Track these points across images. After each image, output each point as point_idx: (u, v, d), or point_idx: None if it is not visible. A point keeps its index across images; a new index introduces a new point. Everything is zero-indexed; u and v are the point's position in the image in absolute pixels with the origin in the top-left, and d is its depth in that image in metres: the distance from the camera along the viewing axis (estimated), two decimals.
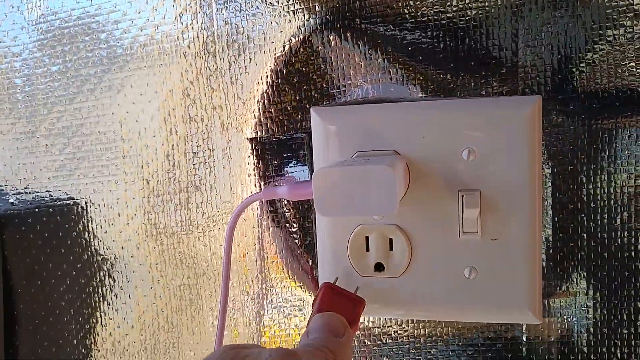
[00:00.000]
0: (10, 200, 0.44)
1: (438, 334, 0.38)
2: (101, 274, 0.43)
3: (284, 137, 0.38)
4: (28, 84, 0.43)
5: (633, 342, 0.35)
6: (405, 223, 0.36)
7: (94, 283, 0.43)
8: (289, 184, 0.33)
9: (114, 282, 0.43)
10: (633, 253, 0.34)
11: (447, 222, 0.35)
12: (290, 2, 0.36)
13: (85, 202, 0.42)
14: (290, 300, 0.40)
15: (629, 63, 0.32)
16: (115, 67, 0.40)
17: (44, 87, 0.42)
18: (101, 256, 0.43)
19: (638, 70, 0.32)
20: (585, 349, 0.35)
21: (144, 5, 0.39)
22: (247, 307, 0.40)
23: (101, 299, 0.43)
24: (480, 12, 0.34)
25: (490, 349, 0.37)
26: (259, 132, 0.38)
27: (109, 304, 0.43)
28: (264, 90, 0.37)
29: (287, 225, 0.39)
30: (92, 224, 0.43)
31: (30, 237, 0.44)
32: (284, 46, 0.37)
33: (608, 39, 0.32)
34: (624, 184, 0.33)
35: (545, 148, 0.34)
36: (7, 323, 0.45)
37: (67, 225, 0.43)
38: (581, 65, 0.33)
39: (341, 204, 0.29)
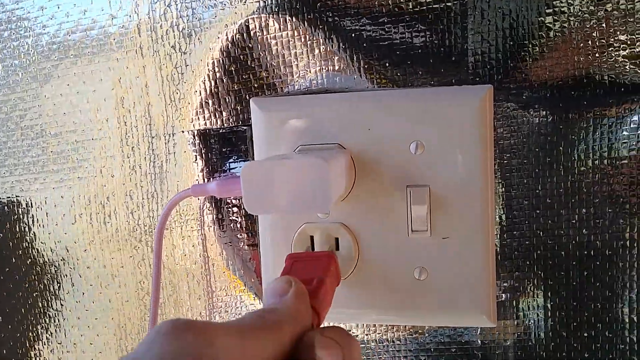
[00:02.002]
0: None
1: (389, 339, 0.36)
2: (46, 278, 0.40)
3: (224, 130, 0.35)
4: None
5: (593, 346, 0.33)
6: (351, 221, 0.33)
7: (40, 288, 0.41)
8: (217, 180, 0.31)
9: (45, 288, 0.40)
10: (592, 251, 0.32)
11: (396, 219, 0.33)
12: None
13: (25, 202, 0.40)
14: (234, 305, 0.37)
15: (585, 48, 0.30)
16: (44, 58, 0.38)
17: None
18: (43, 259, 0.40)
19: (594, 56, 0.30)
20: (543, 354, 0.33)
21: None
22: (190, 311, 0.38)
23: (32, 304, 0.41)
24: None
25: (444, 354, 0.35)
26: (196, 125, 0.35)
27: (41, 311, 0.41)
28: (202, 81, 0.35)
29: (231, 225, 0.36)
30: (20, 224, 0.40)
31: None
32: (220, 34, 0.34)
33: (562, 22, 0.30)
34: (581, 178, 0.31)
35: (497, 141, 0.32)
36: None
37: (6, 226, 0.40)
38: (534, 51, 0.31)
39: (272, 200, 0.27)
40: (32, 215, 0.40)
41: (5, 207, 0.40)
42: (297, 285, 0.22)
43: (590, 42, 0.30)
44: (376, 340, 0.36)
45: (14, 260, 0.41)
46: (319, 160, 0.26)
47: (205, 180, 0.35)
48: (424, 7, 0.32)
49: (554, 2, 0.30)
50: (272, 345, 0.18)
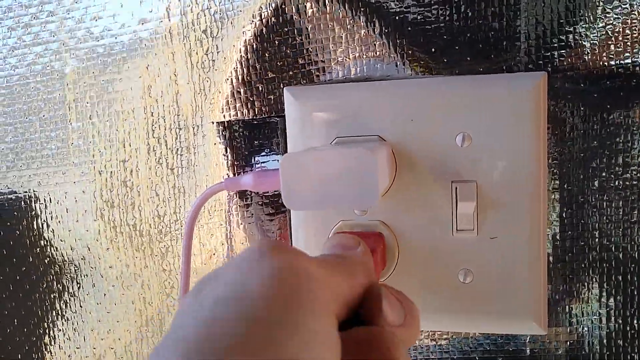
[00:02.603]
0: None
1: (429, 347, 0.33)
2: (49, 278, 0.38)
3: (256, 121, 0.33)
4: None
5: None
6: (391, 219, 0.31)
7: (41, 289, 0.39)
8: (252, 173, 0.29)
9: (63, 288, 0.38)
10: None
11: (439, 217, 0.31)
12: None
13: (30, 197, 0.38)
14: None
15: None
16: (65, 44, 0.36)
17: None
18: (49, 258, 0.38)
19: None
20: None
21: None
22: None
23: (49, 306, 0.39)
24: None
25: None
26: (227, 116, 0.33)
27: (59, 312, 0.39)
28: (233, 68, 0.33)
29: (260, 222, 0.34)
30: (38, 220, 0.38)
31: None
32: (254, 17, 0.32)
33: (624, 5, 0.28)
34: None
35: (552, 132, 0.30)
36: None
37: (8, 223, 0.38)
38: (593, 36, 0.28)
39: (313, 195, 0.25)
40: (51, 211, 0.38)
41: (22, 202, 0.38)
42: (364, 244, 0.22)
43: None
44: (414, 349, 0.33)
45: (30, 259, 0.39)
46: (365, 150, 0.24)
47: (235, 174, 0.33)
48: None
49: None
50: (348, 289, 0.18)
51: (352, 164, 0.24)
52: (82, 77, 0.36)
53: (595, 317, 0.31)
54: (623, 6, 0.28)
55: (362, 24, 0.31)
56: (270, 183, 0.29)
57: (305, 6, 0.31)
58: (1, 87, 0.37)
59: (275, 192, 0.33)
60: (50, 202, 0.38)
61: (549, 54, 0.29)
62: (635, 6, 0.28)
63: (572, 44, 0.29)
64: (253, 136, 0.33)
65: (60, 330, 0.39)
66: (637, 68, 0.28)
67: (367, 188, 0.24)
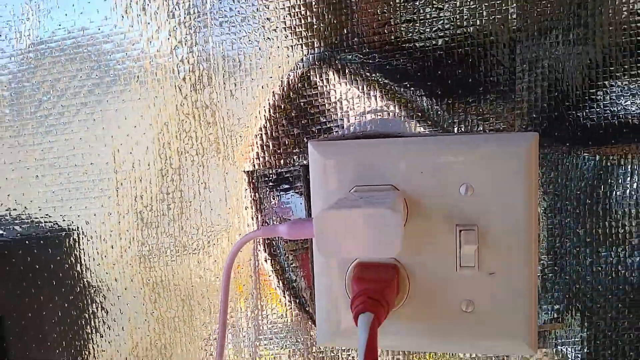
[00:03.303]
0: (0, 232, 0.43)
1: None
2: (94, 306, 0.42)
3: (281, 170, 0.38)
4: (16, 113, 0.42)
5: None
6: (403, 257, 0.36)
7: (86, 315, 0.42)
8: (288, 223, 0.33)
9: (107, 314, 0.42)
10: (628, 287, 0.35)
11: (445, 256, 0.35)
12: (288, 37, 0.36)
13: (77, 234, 0.42)
14: (286, 330, 0.40)
15: (626, 98, 0.33)
16: (108, 99, 0.40)
17: (32, 117, 0.41)
18: (93, 288, 0.42)
19: (634, 105, 0.33)
20: None
21: (138, 37, 0.39)
22: (244, 340, 0.40)
23: (94, 331, 0.43)
24: (475, 46, 0.34)
25: None
26: (255, 165, 0.38)
27: (102, 336, 0.43)
28: (262, 125, 0.37)
29: (284, 257, 0.39)
30: (84, 255, 0.42)
31: (20, 269, 0.43)
32: (281, 80, 0.36)
33: (610, 74, 0.33)
34: (619, 219, 0.34)
35: (541, 183, 0.35)
36: None
37: (58, 257, 0.42)
38: (578, 102, 0.33)
39: (344, 246, 0.29)
40: (82, 246, 0.42)
41: (59, 239, 0.42)
42: None
43: (630, 93, 0.33)
44: None
45: (62, 290, 0.42)
46: (390, 210, 0.28)
47: (264, 217, 0.37)
48: (474, 60, 0.34)
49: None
50: None
51: (380, 221, 0.29)
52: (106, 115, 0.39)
53: (577, 339, 0.36)
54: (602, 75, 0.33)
55: (376, 88, 0.35)
56: (303, 233, 0.33)
57: (327, 73, 0.35)
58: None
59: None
60: (82, 233, 0.41)
61: (540, 116, 0.34)
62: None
63: (561, 108, 0.34)
64: (279, 184, 0.38)
65: (97, 345, 0.43)
66: (610, 130, 0.33)
67: (392, 241, 0.29)
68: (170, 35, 0.38)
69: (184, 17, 0.38)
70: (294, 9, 0.36)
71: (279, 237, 0.38)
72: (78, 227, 0.42)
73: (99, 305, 0.42)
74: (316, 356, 0.40)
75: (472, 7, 0.34)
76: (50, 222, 0.42)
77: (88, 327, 0.43)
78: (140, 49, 0.39)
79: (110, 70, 0.39)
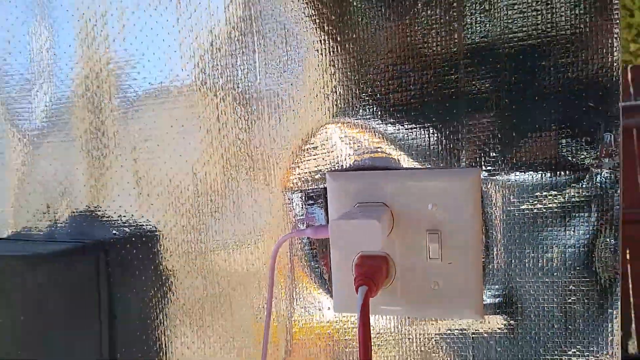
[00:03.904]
0: (113, 232, 0.62)
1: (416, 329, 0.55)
2: (172, 294, 0.61)
3: (308, 190, 0.55)
4: (95, 117, 0.60)
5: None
6: (391, 251, 0.53)
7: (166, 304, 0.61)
8: (313, 227, 0.51)
9: (182, 296, 0.60)
10: (546, 273, 0.51)
11: (419, 251, 0.52)
12: (321, 87, 0.53)
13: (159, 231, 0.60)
14: (312, 301, 0.57)
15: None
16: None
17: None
18: (173, 276, 0.60)
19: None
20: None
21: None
22: (282, 307, 0.58)
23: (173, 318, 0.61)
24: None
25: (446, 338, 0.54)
26: (291, 187, 0.55)
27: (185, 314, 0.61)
28: (293, 159, 0.55)
29: (311, 251, 0.56)
30: (165, 251, 0.60)
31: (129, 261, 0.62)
32: (311, 128, 0.54)
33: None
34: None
35: (482, 202, 0.51)
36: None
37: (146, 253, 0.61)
38: (515, 144, 0.50)
39: (349, 243, 0.46)
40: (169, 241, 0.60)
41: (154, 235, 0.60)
42: None
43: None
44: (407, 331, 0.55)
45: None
46: (376, 221, 0.46)
47: (297, 223, 0.55)
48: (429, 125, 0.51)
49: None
50: None
51: (369, 228, 0.46)
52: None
53: (510, 310, 0.52)
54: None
55: (370, 138, 0.52)
56: (323, 234, 0.51)
57: (344, 124, 0.53)
58: None
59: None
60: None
61: (485, 156, 0.51)
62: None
63: (501, 149, 0.50)
64: (307, 200, 0.55)
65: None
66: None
67: (375, 240, 0.46)
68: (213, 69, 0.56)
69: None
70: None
71: (307, 237, 0.56)
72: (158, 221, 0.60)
73: (178, 291, 0.61)
74: (333, 322, 0.57)
75: None
76: (147, 224, 0.61)
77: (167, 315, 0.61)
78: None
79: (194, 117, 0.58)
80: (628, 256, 3.34)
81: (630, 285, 3.34)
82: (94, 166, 0.61)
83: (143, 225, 0.61)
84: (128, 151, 0.60)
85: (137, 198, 0.61)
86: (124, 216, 0.61)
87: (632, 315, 3.35)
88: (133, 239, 0.61)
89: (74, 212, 0.62)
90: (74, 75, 0.61)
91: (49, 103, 0.62)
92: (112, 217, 0.62)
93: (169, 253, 0.61)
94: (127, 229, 0.61)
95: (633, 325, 3.36)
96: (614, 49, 0.46)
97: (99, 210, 0.62)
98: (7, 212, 0.65)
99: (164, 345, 0.62)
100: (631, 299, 3.35)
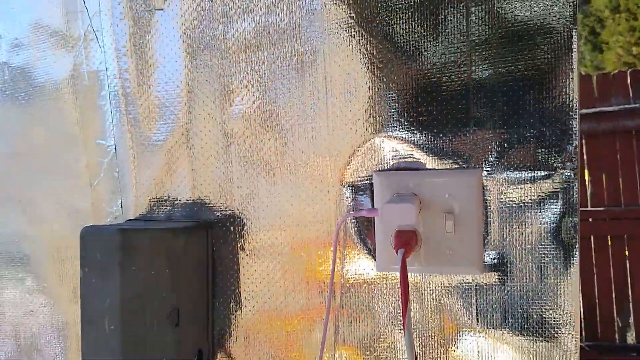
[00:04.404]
0: (217, 214, 0.84)
1: (429, 282, 0.78)
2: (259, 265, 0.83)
3: (360, 184, 0.78)
4: (209, 122, 0.83)
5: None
6: (419, 227, 0.75)
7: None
8: (367, 209, 0.74)
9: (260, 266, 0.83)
10: (529, 247, 0.73)
11: (439, 227, 0.74)
12: (369, 111, 0.76)
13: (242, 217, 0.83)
14: (360, 264, 0.80)
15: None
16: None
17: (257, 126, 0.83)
18: (253, 252, 0.83)
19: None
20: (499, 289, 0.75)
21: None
22: (338, 268, 0.80)
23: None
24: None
25: (457, 288, 0.77)
26: (348, 180, 0.78)
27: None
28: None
29: (362, 226, 0.79)
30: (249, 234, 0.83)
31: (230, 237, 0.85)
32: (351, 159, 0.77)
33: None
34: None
35: (483, 193, 0.74)
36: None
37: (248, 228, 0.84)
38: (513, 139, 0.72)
39: (392, 220, 0.69)
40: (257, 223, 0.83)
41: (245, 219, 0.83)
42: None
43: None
44: (417, 283, 0.78)
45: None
46: (411, 204, 0.68)
47: (350, 206, 0.78)
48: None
49: None
50: None
51: (406, 209, 0.68)
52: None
53: (504, 267, 0.74)
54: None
55: (404, 150, 0.75)
56: (374, 214, 0.73)
57: (385, 141, 0.75)
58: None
59: (373, 218, 0.77)
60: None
61: (485, 160, 0.73)
62: None
63: (496, 156, 0.72)
64: (359, 190, 0.78)
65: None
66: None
67: (410, 218, 0.68)
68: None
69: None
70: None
71: (356, 218, 0.79)
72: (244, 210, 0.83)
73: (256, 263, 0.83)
74: (375, 278, 0.80)
75: None
76: (244, 208, 0.83)
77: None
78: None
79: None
80: (627, 252, 3.55)
81: (629, 281, 3.56)
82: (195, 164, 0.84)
83: (234, 209, 0.84)
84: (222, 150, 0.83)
85: (229, 190, 0.83)
86: (224, 203, 0.84)
87: (631, 308, 3.56)
88: (230, 219, 0.84)
89: (187, 200, 0.85)
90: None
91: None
92: (215, 203, 0.85)
93: (252, 229, 0.83)
94: (224, 212, 0.84)
95: (632, 318, 3.58)
96: (571, 89, 0.69)
97: (204, 198, 0.85)
98: (129, 200, 0.88)
99: (240, 281, 0.85)
100: (630, 293, 3.56)
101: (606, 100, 3.62)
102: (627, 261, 3.58)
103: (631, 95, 3.60)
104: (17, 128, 0.94)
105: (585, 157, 3.63)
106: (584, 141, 3.62)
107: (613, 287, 3.61)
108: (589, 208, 3.62)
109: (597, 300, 3.64)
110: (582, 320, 3.65)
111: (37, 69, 0.91)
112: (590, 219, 3.62)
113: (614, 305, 3.62)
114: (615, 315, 3.62)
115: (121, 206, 0.88)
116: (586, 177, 3.64)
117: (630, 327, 3.61)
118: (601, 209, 3.59)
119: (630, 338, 3.61)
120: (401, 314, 0.77)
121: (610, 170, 3.56)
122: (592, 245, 3.64)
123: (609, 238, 3.60)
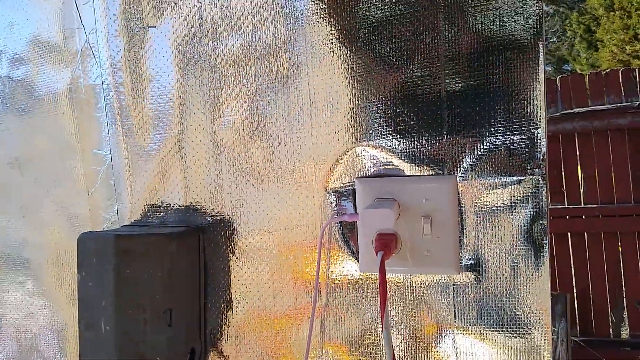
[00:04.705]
0: (208, 219, 0.89)
1: (407, 282, 0.82)
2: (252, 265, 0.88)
3: (343, 190, 0.82)
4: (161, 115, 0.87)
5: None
6: (398, 230, 0.79)
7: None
8: (348, 214, 0.78)
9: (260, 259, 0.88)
10: (506, 245, 0.78)
11: (417, 230, 0.79)
12: (350, 121, 0.80)
13: (233, 220, 0.87)
14: (345, 265, 0.84)
15: None
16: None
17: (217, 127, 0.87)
18: (251, 250, 0.88)
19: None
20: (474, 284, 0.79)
21: None
22: (322, 269, 0.85)
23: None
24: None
25: (435, 286, 0.81)
26: (331, 186, 0.82)
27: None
28: (334, 171, 0.82)
29: (344, 230, 0.83)
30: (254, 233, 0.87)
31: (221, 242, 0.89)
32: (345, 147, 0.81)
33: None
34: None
35: (459, 197, 0.78)
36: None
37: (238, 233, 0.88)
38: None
39: (371, 224, 0.74)
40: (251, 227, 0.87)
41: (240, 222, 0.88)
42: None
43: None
44: (400, 283, 0.82)
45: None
46: (390, 210, 0.73)
47: (334, 211, 0.82)
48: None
49: None
50: None
51: (385, 214, 0.73)
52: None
53: (478, 268, 0.79)
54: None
55: (385, 154, 0.79)
56: (355, 219, 0.78)
57: (367, 149, 0.80)
58: None
59: (355, 222, 0.82)
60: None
61: (460, 167, 0.77)
62: None
63: (470, 163, 0.77)
64: (342, 196, 0.82)
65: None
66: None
67: (389, 222, 0.73)
68: None
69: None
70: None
71: (341, 221, 0.83)
72: (234, 214, 0.87)
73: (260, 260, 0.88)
74: (359, 279, 0.84)
75: None
76: (239, 214, 0.88)
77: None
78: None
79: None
80: (620, 249, 3.60)
81: (623, 277, 3.61)
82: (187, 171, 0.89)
83: (224, 214, 0.88)
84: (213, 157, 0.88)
85: (219, 195, 0.88)
86: (215, 209, 0.89)
87: (625, 303, 3.61)
88: (220, 224, 0.89)
89: (180, 206, 0.90)
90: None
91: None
92: (206, 209, 0.89)
93: (242, 233, 0.88)
94: (215, 217, 0.89)
95: (625, 313, 3.63)
96: (539, 100, 0.73)
97: (196, 204, 0.90)
98: (125, 206, 0.93)
99: (231, 283, 0.89)
100: (623, 289, 3.61)
101: (599, 98, 3.67)
102: (621, 257, 3.63)
103: (623, 93, 3.65)
104: (17, 138, 0.98)
105: (578, 155, 3.68)
106: (576, 139, 3.67)
107: (607, 283, 3.66)
108: (582, 205, 3.66)
109: (591, 296, 3.69)
110: (576, 315, 3.70)
111: (36, 82, 0.95)
112: (584, 216, 3.67)
113: (608, 300, 3.66)
114: (609, 310, 3.67)
115: (117, 212, 0.93)
116: (579, 175, 3.69)
117: (624, 322, 3.66)
118: (594, 206, 3.64)
119: (625, 333, 3.66)
120: None
121: (603, 168, 3.61)
122: (586, 242, 3.68)
123: (602, 235, 3.65)
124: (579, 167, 3.67)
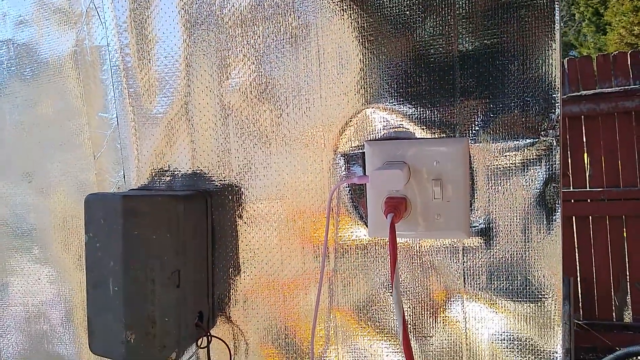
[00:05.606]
0: (215, 184, 0.88)
1: (421, 247, 0.81)
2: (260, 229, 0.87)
3: (353, 153, 0.81)
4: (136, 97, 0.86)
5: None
6: (407, 194, 0.78)
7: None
8: (358, 176, 0.77)
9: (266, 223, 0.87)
10: (516, 207, 0.76)
11: (427, 193, 0.78)
12: (360, 83, 0.79)
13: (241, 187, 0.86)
14: (353, 230, 0.83)
15: None
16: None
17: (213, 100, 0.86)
18: (257, 216, 0.87)
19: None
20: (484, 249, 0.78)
21: None
22: (331, 234, 0.84)
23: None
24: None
25: (445, 250, 0.80)
26: (341, 150, 0.81)
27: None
28: (344, 133, 0.81)
29: (354, 192, 0.82)
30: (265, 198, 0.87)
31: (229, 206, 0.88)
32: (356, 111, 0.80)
33: None
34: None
35: (470, 160, 0.77)
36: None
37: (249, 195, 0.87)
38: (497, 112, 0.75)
39: (381, 186, 0.72)
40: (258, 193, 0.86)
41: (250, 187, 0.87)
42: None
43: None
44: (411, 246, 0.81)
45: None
46: (400, 171, 0.71)
47: (343, 173, 0.81)
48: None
49: None
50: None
51: (395, 175, 0.72)
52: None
53: (488, 232, 0.78)
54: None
55: (395, 117, 0.78)
56: (364, 181, 0.77)
57: (375, 116, 0.78)
58: None
59: (365, 185, 0.81)
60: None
61: (471, 130, 0.76)
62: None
63: (482, 125, 0.75)
64: (352, 158, 0.81)
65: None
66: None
67: (398, 183, 0.72)
68: None
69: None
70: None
71: (349, 185, 0.82)
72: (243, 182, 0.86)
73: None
74: (367, 244, 0.83)
75: None
76: (244, 179, 0.87)
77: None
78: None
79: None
80: (625, 233, 3.59)
81: (627, 261, 3.60)
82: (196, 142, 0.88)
83: (232, 179, 0.87)
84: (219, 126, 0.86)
85: (227, 161, 0.87)
86: (223, 173, 0.88)
87: (628, 287, 3.61)
88: (228, 188, 0.88)
89: (187, 171, 0.89)
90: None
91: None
92: (214, 173, 0.88)
93: (249, 197, 0.87)
94: (223, 182, 0.88)
95: (629, 297, 3.63)
96: (554, 59, 0.71)
97: (203, 168, 0.89)
98: (132, 171, 0.92)
99: (239, 247, 0.89)
100: (627, 273, 3.61)
101: (606, 81, 3.64)
102: (625, 241, 3.62)
103: (631, 76, 3.61)
104: (22, 102, 0.97)
105: (584, 138, 3.66)
106: (583, 122, 3.64)
107: (611, 267, 3.65)
108: (587, 189, 3.64)
109: (595, 280, 3.68)
110: (580, 299, 3.70)
111: (41, 45, 0.94)
112: (589, 200, 3.65)
113: (612, 284, 3.66)
114: (612, 294, 3.66)
115: (124, 177, 0.92)
116: (585, 158, 3.66)
117: (627, 306, 3.66)
118: (600, 189, 3.62)
119: (628, 317, 3.66)
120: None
121: (609, 151, 3.58)
122: (591, 225, 3.67)
123: (607, 218, 3.63)
124: (585, 150, 3.65)
